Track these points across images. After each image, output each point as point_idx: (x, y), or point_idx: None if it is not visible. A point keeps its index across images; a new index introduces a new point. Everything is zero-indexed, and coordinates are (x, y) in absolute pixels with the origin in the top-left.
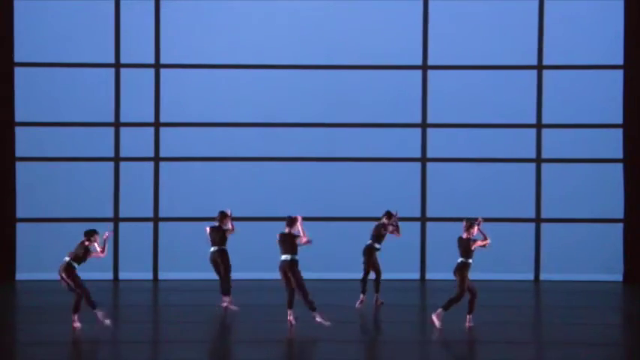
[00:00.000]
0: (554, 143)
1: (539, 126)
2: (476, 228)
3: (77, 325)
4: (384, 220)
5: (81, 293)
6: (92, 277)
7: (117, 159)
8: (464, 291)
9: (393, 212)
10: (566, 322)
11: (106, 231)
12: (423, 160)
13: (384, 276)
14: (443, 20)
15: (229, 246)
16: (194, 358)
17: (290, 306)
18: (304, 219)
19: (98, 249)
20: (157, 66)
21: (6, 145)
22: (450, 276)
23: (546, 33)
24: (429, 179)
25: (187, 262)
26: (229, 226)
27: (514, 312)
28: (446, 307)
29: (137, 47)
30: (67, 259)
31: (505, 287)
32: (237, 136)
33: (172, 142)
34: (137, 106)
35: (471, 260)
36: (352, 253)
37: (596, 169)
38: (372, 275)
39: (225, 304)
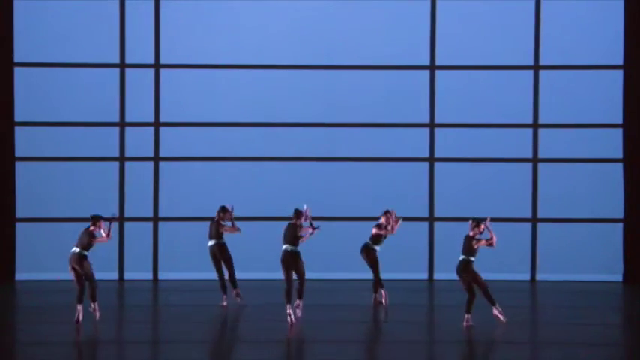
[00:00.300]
0: (555, 143)
1: (535, 126)
2: (482, 227)
3: (81, 316)
4: (382, 220)
5: (91, 284)
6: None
7: (122, 159)
8: (483, 284)
9: (391, 210)
10: (566, 322)
11: (109, 215)
12: (431, 160)
13: (391, 276)
14: (445, 20)
15: (230, 245)
16: (194, 358)
17: (289, 300)
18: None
19: (103, 234)
20: (157, 66)
21: (6, 145)
22: None
23: (546, 33)
24: (436, 179)
25: (187, 262)
26: (228, 224)
27: (514, 312)
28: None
29: (137, 47)
30: (77, 249)
31: (502, 287)
32: (237, 136)
33: (172, 142)
34: (137, 106)
35: (473, 258)
36: (352, 253)
37: (596, 169)
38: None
39: (225, 303)
